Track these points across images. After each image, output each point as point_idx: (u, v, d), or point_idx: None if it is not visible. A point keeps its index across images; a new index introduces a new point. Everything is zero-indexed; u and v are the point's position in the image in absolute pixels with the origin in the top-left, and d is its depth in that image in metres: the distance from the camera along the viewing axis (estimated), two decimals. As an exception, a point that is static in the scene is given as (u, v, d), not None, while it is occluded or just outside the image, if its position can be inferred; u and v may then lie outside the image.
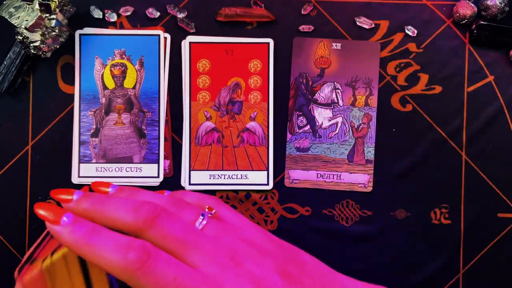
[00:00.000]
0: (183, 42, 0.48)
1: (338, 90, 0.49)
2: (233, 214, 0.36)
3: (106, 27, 0.48)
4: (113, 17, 0.48)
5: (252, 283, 0.29)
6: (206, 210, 0.34)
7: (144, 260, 0.28)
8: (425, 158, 0.49)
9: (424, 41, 0.49)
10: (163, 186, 0.48)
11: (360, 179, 0.48)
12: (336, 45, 0.48)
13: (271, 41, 0.48)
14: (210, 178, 0.48)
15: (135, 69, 0.48)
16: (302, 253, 0.34)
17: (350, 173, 0.48)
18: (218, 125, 0.49)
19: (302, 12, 0.48)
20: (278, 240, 0.34)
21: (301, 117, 0.49)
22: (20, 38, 0.44)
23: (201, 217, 0.32)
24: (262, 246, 0.32)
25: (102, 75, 0.48)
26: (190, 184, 0.48)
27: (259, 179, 0.48)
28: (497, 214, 0.49)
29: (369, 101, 0.49)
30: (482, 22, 0.47)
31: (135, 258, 0.28)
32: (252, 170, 0.48)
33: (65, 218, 0.29)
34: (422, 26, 0.49)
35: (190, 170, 0.48)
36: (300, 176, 0.48)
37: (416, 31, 0.49)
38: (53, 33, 0.44)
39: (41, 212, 0.30)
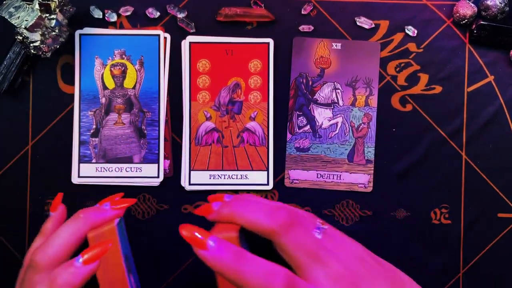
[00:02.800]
0: (183, 42, 0.48)
1: (338, 90, 0.49)
2: (336, 230, 0.36)
3: (106, 27, 0.48)
4: (113, 17, 0.48)
5: None
6: (319, 223, 0.34)
7: (288, 224, 0.29)
8: (425, 158, 0.49)
9: (424, 41, 0.49)
10: (163, 186, 0.48)
11: (360, 179, 0.48)
12: (336, 45, 0.48)
13: (271, 41, 0.48)
14: (210, 178, 0.48)
15: (135, 69, 0.48)
16: (400, 273, 0.34)
17: (350, 173, 0.48)
18: (218, 125, 0.49)
19: (302, 12, 0.48)
20: (378, 258, 0.35)
21: (301, 117, 0.49)
22: (20, 38, 0.44)
23: (317, 231, 0.33)
24: (372, 265, 0.33)
25: (102, 75, 0.48)
26: (190, 184, 0.48)
27: (259, 179, 0.48)
28: (497, 214, 0.49)
29: (369, 101, 0.49)
30: (482, 22, 0.47)
31: (281, 221, 0.29)
32: (252, 170, 0.48)
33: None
34: (422, 26, 0.49)
35: (190, 170, 0.48)
36: (300, 176, 0.48)
37: (416, 31, 0.49)
38: (53, 33, 0.44)
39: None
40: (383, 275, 0.33)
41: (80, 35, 0.48)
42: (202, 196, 0.49)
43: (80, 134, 0.48)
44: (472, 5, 0.48)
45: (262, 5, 0.48)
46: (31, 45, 0.44)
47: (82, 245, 0.36)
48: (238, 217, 0.33)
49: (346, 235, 0.36)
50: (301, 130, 0.49)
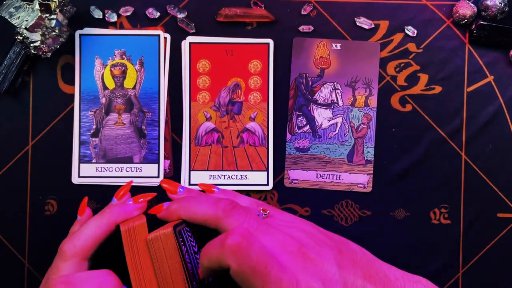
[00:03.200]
0: (183, 43, 0.49)
1: (338, 91, 0.49)
2: (281, 212, 0.40)
3: (106, 27, 0.48)
4: (113, 17, 0.48)
5: (316, 275, 0.32)
6: (261, 211, 0.38)
7: (229, 209, 0.35)
8: (425, 158, 0.49)
9: (424, 41, 0.49)
10: (163, 186, 0.48)
11: (359, 179, 0.49)
12: (336, 45, 0.49)
13: (271, 42, 0.48)
14: (210, 178, 0.48)
15: (135, 69, 0.48)
16: (349, 243, 0.36)
17: (350, 173, 0.49)
18: (218, 125, 0.49)
19: (302, 13, 0.49)
20: (327, 232, 0.38)
21: (301, 117, 0.49)
22: (20, 38, 0.44)
23: (259, 214, 0.37)
24: (317, 236, 0.35)
25: (102, 75, 0.48)
26: (190, 184, 0.48)
27: (259, 179, 0.48)
28: (496, 214, 0.49)
29: (368, 101, 0.49)
30: (481, 22, 0.47)
31: (223, 207, 0.36)
32: (252, 170, 0.48)
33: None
34: (422, 26, 0.49)
35: (190, 170, 0.48)
36: (299, 176, 0.48)
37: (416, 31, 0.49)
38: (53, 33, 0.44)
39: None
40: (330, 245, 0.35)
41: (80, 35, 0.48)
42: (202, 196, 0.49)
43: (80, 134, 0.48)
44: (472, 5, 0.48)
45: (262, 5, 0.48)
46: (31, 45, 0.44)
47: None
48: (184, 211, 0.38)
49: (292, 214, 0.40)
50: (300, 130, 0.49)
